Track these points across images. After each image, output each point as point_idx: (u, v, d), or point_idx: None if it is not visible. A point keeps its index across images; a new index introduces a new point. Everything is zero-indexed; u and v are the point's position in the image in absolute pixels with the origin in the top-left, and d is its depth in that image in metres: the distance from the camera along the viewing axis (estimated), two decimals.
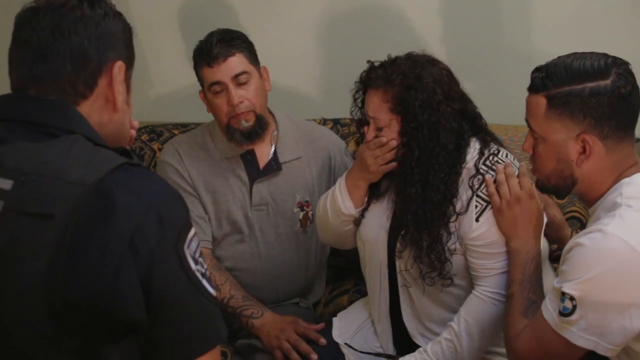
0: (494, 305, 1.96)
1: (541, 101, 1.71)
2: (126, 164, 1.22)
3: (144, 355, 1.22)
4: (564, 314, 1.64)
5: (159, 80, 3.07)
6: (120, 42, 1.34)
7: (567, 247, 1.68)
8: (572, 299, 1.62)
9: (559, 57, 1.73)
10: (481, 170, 1.98)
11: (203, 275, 1.23)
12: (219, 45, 2.31)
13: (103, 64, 1.31)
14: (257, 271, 2.46)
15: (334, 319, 2.31)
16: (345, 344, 2.21)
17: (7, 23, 1.40)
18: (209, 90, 2.35)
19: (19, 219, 1.16)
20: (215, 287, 2.27)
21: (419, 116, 1.96)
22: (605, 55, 1.70)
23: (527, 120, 1.77)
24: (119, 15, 1.37)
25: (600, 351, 1.64)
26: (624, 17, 2.79)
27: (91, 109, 1.31)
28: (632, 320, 1.60)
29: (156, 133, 2.82)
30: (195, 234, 1.24)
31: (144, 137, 2.82)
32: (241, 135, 2.35)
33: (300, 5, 2.95)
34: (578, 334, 1.63)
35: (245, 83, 2.32)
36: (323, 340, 2.24)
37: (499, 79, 2.87)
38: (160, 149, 2.66)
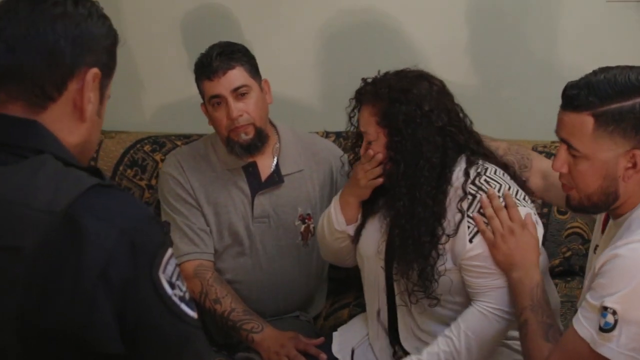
0: (496, 322, 1.93)
1: (587, 120, 1.64)
2: (98, 185, 1.17)
3: None
4: (605, 329, 1.59)
5: (161, 91, 3.06)
6: (100, 47, 1.26)
7: (601, 260, 1.65)
8: (614, 313, 1.58)
9: (594, 73, 1.68)
10: (470, 192, 1.96)
11: (181, 298, 1.19)
12: (219, 58, 2.31)
13: (76, 67, 1.23)
14: (257, 284, 2.45)
15: (334, 334, 2.30)
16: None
17: None
18: (209, 103, 2.35)
19: None
20: (216, 300, 2.31)
21: (403, 130, 1.96)
22: None
23: (565, 139, 1.70)
24: (104, 18, 1.29)
25: None
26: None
27: (58, 116, 1.23)
28: None
29: (159, 144, 2.82)
30: (171, 255, 1.19)
31: (147, 147, 2.82)
32: (241, 148, 2.35)
33: (303, 17, 2.95)
34: (618, 351, 1.58)
35: (245, 96, 2.32)
36: (323, 356, 2.23)
37: (518, 94, 2.88)
38: (162, 160, 2.65)
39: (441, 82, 2.05)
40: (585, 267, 1.99)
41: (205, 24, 2.99)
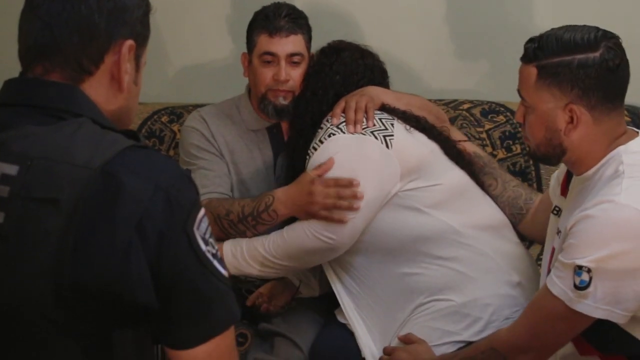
0: (308, 239, 2.08)
1: (532, 71, 1.74)
2: (134, 146, 1.19)
3: (156, 338, 1.21)
4: (581, 287, 1.63)
5: (178, 62, 3.03)
6: (133, 18, 1.28)
7: (571, 220, 1.68)
8: (589, 271, 1.61)
9: (552, 29, 1.75)
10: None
11: (214, 255, 1.21)
12: (286, 19, 2.33)
13: (112, 41, 1.26)
14: None
15: None
16: None
17: None
18: (259, 57, 2.35)
19: (26, 204, 1.14)
20: (228, 212, 2.22)
21: None
22: (597, 29, 1.72)
23: (518, 90, 1.79)
24: None
25: (614, 319, 1.64)
26: None
27: (96, 87, 1.26)
28: None
29: (176, 115, 2.80)
30: (204, 214, 1.22)
31: (164, 118, 2.80)
32: (274, 110, 2.36)
33: None
34: (594, 306, 1.63)
35: (296, 64, 2.34)
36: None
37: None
38: (180, 131, 2.63)
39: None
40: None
41: None
